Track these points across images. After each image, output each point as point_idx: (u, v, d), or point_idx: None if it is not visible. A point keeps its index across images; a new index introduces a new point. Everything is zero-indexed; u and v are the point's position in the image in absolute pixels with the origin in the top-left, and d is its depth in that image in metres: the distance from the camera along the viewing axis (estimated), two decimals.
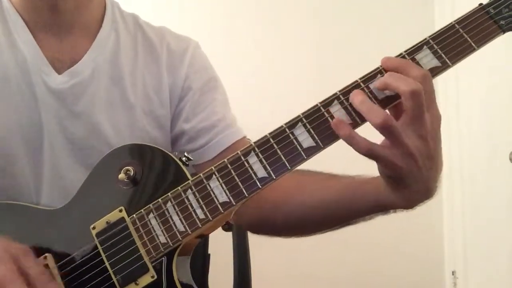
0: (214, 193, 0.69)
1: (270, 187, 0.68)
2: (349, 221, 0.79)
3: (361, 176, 0.77)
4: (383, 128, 0.61)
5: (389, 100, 0.65)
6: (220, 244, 1.14)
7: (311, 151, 0.66)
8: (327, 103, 0.67)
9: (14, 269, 0.63)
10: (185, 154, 0.74)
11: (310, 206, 0.81)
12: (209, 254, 1.14)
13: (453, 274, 2.24)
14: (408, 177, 0.64)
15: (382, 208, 0.73)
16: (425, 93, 0.62)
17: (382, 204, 0.72)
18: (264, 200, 0.82)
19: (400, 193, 0.68)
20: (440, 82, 2.16)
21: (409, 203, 0.69)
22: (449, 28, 0.67)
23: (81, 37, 0.87)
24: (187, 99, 0.92)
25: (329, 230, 0.82)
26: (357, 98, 0.64)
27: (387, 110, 0.65)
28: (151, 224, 0.70)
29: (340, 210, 0.77)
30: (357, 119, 0.65)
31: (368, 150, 0.63)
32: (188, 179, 0.71)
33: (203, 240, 1.11)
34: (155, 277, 0.69)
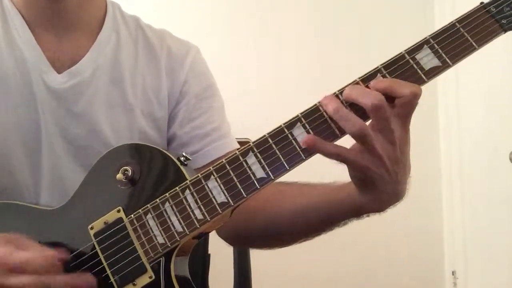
0: (212, 194, 0.68)
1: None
2: (326, 227, 0.79)
3: (336, 183, 0.78)
4: (358, 137, 0.63)
5: None
6: (220, 244, 1.13)
7: (310, 152, 0.66)
8: None
9: (12, 249, 0.65)
10: (183, 154, 0.74)
11: (290, 213, 0.81)
12: (209, 254, 1.14)
13: (453, 274, 2.23)
14: (377, 179, 0.66)
15: (356, 212, 0.74)
16: (404, 107, 0.63)
17: (356, 208, 0.73)
18: (243, 208, 0.82)
19: (371, 196, 0.69)
20: (440, 82, 2.17)
21: (381, 205, 0.71)
22: (450, 27, 0.67)
23: (81, 37, 0.87)
24: (184, 104, 0.91)
25: (305, 239, 0.83)
26: (331, 106, 0.65)
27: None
28: (149, 224, 0.70)
29: (318, 215, 0.77)
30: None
31: (335, 155, 0.64)
32: (186, 179, 0.70)
33: (203, 240, 1.11)
34: (153, 277, 0.68)
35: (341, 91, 0.66)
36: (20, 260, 0.64)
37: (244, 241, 0.93)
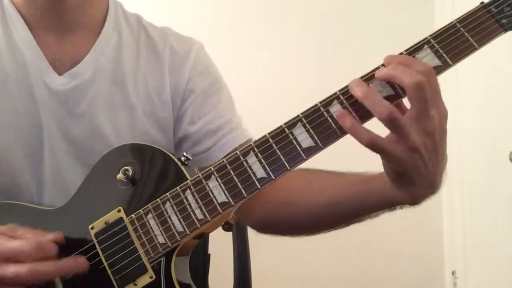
0: (213, 193, 0.68)
1: (278, 186, 0.67)
2: (356, 218, 0.77)
3: (367, 173, 0.76)
4: (388, 121, 0.60)
5: (390, 99, 0.64)
6: (220, 244, 1.13)
7: (310, 151, 0.66)
8: (327, 103, 0.66)
9: (4, 240, 0.64)
10: (184, 153, 0.74)
11: (319, 205, 0.79)
12: (209, 254, 1.14)
13: (453, 274, 2.24)
14: (413, 173, 0.63)
15: (388, 204, 0.71)
16: (430, 88, 0.61)
17: (388, 200, 0.70)
18: (272, 199, 0.81)
19: (406, 190, 0.67)
20: (440, 82, 2.16)
21: (415, 199, 0.68)
22: (450, 27, 0.67)
23: (82, 37, 0.86)
24: (190, 102, 0.91)
25: (336, 229, 0.81)
26: (361, 90, 0.63)
27: None
28: (149, 224, 0.70)
29: (349, 207, 0.76)
30: (357, 119, 0.65)
31: (369, 141, 0.62)
32: (187, 179, 0.70)
33: (203, 240, 1.11)
34: (154, 277, 0.69)
35: (368, 76, 0.65)
36: (12, 248, 0.63)
37: (274, 230, 0.90)
